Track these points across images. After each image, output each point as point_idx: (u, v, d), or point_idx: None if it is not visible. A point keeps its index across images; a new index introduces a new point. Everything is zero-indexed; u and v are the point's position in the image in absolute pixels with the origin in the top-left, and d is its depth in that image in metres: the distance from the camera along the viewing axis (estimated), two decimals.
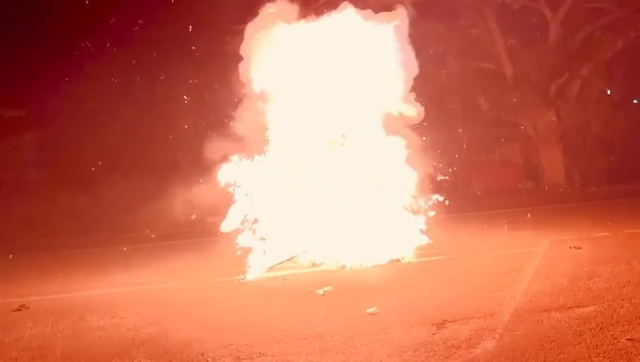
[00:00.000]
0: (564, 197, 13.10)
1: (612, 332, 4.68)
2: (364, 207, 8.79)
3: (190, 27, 14.35)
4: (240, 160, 8.82)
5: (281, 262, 8.28)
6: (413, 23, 9.17)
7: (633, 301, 5.42)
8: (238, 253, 8.56)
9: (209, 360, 4.97)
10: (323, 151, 8.79)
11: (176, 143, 14.70)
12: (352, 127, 8.90)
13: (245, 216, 8.64)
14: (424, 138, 9.57)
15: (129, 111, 14.77)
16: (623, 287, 5.90)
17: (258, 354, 4.93)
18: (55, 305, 7.42)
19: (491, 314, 5.35)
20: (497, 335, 4.83)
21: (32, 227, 13.00)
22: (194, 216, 10.55)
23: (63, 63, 14.66)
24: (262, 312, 6.28)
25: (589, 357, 4.30)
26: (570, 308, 5.36)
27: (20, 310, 7.23)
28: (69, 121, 14.81)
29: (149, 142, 14.61)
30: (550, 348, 4.48)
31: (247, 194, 8.73)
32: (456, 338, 4.87)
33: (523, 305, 5.59)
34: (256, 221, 8.67)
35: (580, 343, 4.55)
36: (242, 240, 8.56)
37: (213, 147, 8.99)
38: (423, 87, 9.60)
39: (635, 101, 18.01)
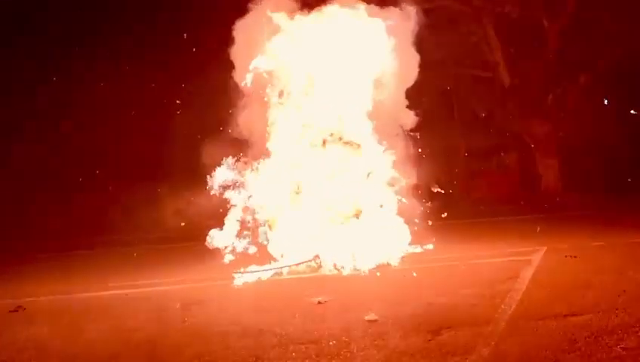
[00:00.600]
0: (561, 206, 13.13)
1: (607, 341, 4.70)
2: (362, 213, 8.85)
3: (185, 35, 14.40)
4: (238, 163, 8.85)
5: (281, 268, 8.28)
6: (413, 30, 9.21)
7: (628, 310, 5.44)
8: (233, 257, 8.59)
9: None
10: (321, 154, 8.81)
11: (173, 145, 14.67)
12: (349, 128, 8.92)
13: (245, 219, 8.68)
14: (419, 149, 9.63)
15: (124, 112, 14.75)
16: (618, 296, 5.92)
17: (255, 358, 4.94)
18: (52, 307, 7.44)
19: (487, 322, 5.37)
20: (493, 343, 4.85)
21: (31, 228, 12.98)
22: (183, 224, 10.66)
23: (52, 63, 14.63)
24: (258, 316, 6.29)
25: None
26: (565, 316, 5.37)
27: (17, 311, 7.24)
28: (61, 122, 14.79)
29: (148, 143, 14.60)
30: (545, 356, 4.51)
31: (248, 198, 8.77)
32: (452, 345, 4.89)
33: (519, 313, 5.61)
34: (255, 224, 8.70)
35: (575, 351, 4.57)
36: (240, 244, 8.58)
37: (209, 151, 9.04)
38: (421, 94, 9.66)
39: (632, 112, 18.09)
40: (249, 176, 8.86)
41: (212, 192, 8.86)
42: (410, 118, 9.17)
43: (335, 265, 8.29)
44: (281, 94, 8.88)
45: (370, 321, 5.68)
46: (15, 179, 14.22)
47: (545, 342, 4.81)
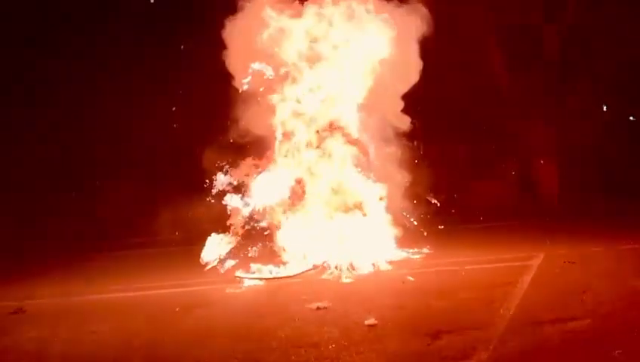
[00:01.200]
0: (560, 212, 13.15)
1: (605, 346, 4.73)
2: (359, 218, 8.89)
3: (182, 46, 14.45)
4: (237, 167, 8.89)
5: (281, 277, 8.30)
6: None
7: (626, 315, 5.46)
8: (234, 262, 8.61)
9: None
10: (320, 158, 8.84)
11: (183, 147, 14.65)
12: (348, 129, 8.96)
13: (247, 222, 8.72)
14: (420, 151, 9.66)
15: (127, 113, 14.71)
16: (617, 302, 5.94)
17: None
18: (53, 309, 7.47)
19: (485, 326, 5.40)
20: (491, 347, 4.87)
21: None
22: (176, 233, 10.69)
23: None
24: (258, 320, 6.32)
25: None
26: (563, 321, 5.39)
27: (17, 313, 7.26)
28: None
29: (149, 144, 14.58)
30: (543, 360, 4.54)
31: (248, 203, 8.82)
32: (450, 349, 4.92)
33: (517, 317, 5.63)
34: (256, 229, 8.74)
35: (573, 356, 4.60)
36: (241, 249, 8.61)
37: (209, 156, 9.08)
38: (419, 100, 9.70)
39: (631, 118, 18.12)
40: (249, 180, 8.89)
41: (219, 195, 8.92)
42: (405, 122, 9.18)
43: (334, 271, 8.31)
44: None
45: (369, 325, 5.70)
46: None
47: (543, 346, 4.84)
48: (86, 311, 7.35)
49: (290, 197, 8.78)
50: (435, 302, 6.51)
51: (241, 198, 8.91)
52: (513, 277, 7.20)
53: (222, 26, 8.99)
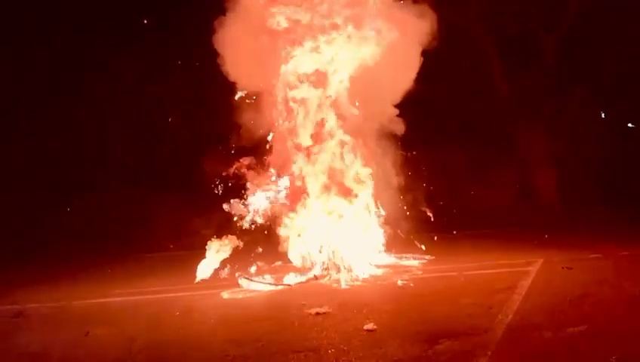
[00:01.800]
0: (558, 218, 13.19)
1: (602, 351, 4.76)
2: (359, 224, 8.93)
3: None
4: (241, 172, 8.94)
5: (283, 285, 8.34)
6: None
7: (623, 321, 5.51)
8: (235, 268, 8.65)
9: None
10: (319, 160, 8.88)
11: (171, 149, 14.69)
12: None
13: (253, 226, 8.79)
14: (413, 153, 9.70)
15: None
16: (614, 308, 5.99)
17: None
18: (53, 313, 7.49)
19: (484, 331, 5.43)
20: (490, 352, 4.91)
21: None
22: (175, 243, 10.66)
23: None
24: (258, 325, 6.35)
25: None
26: (561, 326, 5.43)
27: (18, 317, 7.28)
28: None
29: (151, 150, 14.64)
30: None
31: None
32: (449, 354, 4.96)
33: (515, 323, 5.67)
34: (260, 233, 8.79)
35: (571, 361, 4.64)
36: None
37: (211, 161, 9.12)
38: (419, 108, 9.75)
39: (630, 125, 18.17)
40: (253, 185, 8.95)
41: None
42: (400, 126, 9.22)
43: (334, 277, 8.34)
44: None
45: (368, 330, 5.74)
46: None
47: (541, 351, 4.88)
48: (87, 313, 7.40)
49: (290, 202, 8.82)
50: (434, 307, 6.55)
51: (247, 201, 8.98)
52: (512, 282, 7.24)
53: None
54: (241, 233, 8.91)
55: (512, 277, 7.54)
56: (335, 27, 8.76)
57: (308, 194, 8.71)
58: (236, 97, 9.22)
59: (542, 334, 5.29)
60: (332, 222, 8.77)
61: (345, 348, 5.26)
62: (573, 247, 9.29)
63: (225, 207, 8.99)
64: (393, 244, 9.32)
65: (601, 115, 17.48)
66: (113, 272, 10.32)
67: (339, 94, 9.05)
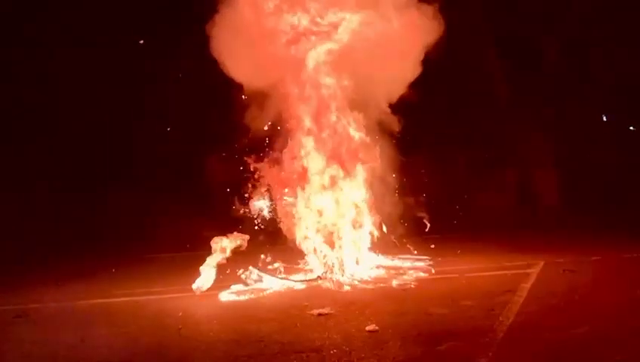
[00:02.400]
0: (559, 221, 13.20)
1: (603, 353, 4.79)
2: (360, 225, 8.96)
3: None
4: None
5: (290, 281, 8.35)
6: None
7: (624, 323, 5.52)
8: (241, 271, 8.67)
9: None
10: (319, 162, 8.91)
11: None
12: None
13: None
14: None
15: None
16: (615, 310, 6.01)
17: None
18: (55, 314, 7.52)
19: (485, 333, 5.45)
20: (491, 354, 4.93)
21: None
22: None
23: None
24: (260, 326, 6.37)
25: None
26: (562, 328, 5.45)
27: (20, 317, 7.31)
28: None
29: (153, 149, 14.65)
30: None
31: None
32: (450, 355, 4.99)
33: (517, 325, 5.69)
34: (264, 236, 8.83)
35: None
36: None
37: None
38: (418, 111, 9.77)
39: (631, 128, 18.18)
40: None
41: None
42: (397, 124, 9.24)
43: (336, 278, 8.36)
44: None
45: (370, 331, 5.76)
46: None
47: (542, 353, 4.90)
48: (90, 314, 7.43)
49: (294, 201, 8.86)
50: (435, 308, 6.56)
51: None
52: (513, 285, 7.25)
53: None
54: (251, 233, 8.91)
55: (513, 280, 7.56)
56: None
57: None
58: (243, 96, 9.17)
59: (543, 336, 5.31)
60: (333, 223, 8.82)
61: (347, 349, 5.28)
62: (574, 250, 9.31)
63: (239, 207, 9.02)
64: (394, 247, 9.33)
65: (602, 118, 17.51)
66: (118, 272, 10.33)
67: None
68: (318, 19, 8.83)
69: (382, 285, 8.06)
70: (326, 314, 6.56)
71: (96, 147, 14.32)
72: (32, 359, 5.82)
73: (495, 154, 15.83)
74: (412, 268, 8.82)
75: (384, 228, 9.15)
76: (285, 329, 6.11)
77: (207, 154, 11.09)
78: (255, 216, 9.05)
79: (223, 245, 8.46)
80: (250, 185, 8.99)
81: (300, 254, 8.85)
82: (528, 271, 8.06)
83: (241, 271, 8.45)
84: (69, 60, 14.01)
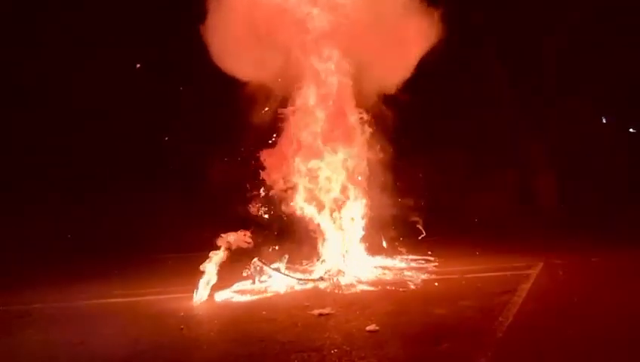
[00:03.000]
0: (558, 222, 13.23)
1: (603, 353, 4.82)
2: (360, 226, 9.00)
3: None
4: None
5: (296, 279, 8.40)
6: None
7: (624, 323, 5.55)
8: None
9: None
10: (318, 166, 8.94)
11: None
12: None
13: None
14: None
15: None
16: (615, 310, 6.03)
17: None
18: (58, 314, 7.56)
19: (485, 333, 5.49)
20: (490, 354, 4.97)
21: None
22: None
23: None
24: (260, 326, 6.42)
25: None
26: (562, 329, 5.49)
27: (23, 317, 7.35)
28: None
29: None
30: None
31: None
32: (450, 355, 5.02)
33: (516, 325, 5.71)
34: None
35: None
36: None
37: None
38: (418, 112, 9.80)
39: (631, 130, 18.21)
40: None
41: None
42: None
43: (336, 279, 8.40)
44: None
45: (371, 331, 5.80)
46: None
47: (542, 353, 4.93)
48: (92, 314, 7.46)
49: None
50: (435, 309, 6.59)
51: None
52: (512, 285, 7.28)
53: None
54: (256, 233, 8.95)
55: (513, 280, 7.59)
56: None
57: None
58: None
59: (542, 337, 5.35)
60: (334, 223, 8.86)
61: (347, 349, 5.32)
62: (573, 250, 9.34)
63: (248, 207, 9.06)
64: (394, 248, 9.38)
65: (601, 120, 17.54)
66: (120, 273, 10.36)
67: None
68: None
69: (382, 286, 8.09)
70: (327, 314, 6.60)
71: (96, 147, 14.35)
72: (34, 358, 5.87)
73: (494, 155, 15.84)
74: (412, 268, 8.87)
75: (383, 230, 9.21)
76: (286, 329, 6.15)
77: (208, 154, 11.05)
78: (259, 215, 9.07)
79: (228, 242, 8.48)
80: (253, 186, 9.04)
81: (302, 254, 8.89)
82: (528, 271, 8.09)
83: (245, 270, 8.48)
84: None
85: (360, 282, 8.24)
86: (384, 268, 8.87)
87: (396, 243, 9.42)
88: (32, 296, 8.69)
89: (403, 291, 7.70)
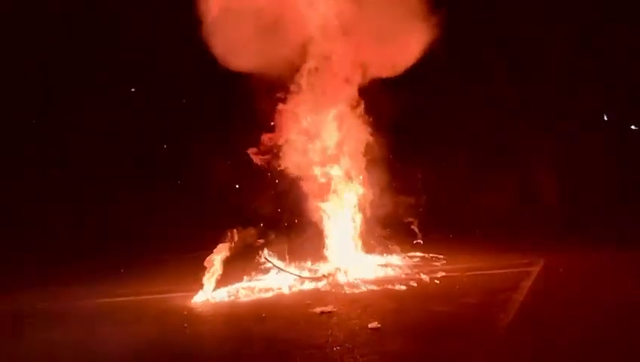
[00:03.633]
0: (560, 221, 13.26)
1: (603, 352, 4.86)
2: (361, 225, 9.05)
3: None
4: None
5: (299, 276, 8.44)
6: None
7: (624, 323, 5.59)
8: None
9: None
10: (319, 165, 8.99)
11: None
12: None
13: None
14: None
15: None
16: (614, 308, 6.07)
17: None
18: (62, 313, 7.59)
19: (486, 330, 5.54)
20: (491, 351, 5.01)
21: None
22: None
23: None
24: (264, 324, 6.47)
25: None
26: (562, 327, 5.53)
27: (27, 316, 7.40)
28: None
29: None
30: None
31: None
32: (451, 353, 5.07)
33: (517, 323, 5.76)
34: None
35: (572, 361, 4.73)
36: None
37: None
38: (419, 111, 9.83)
39: (632, 127, 18.22)
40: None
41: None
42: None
43: (338, 278, 8.44)
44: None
45: (373, 329, 5.85)
46: None
47: (542, 351, 4.98)
48: (96, 313, 7.51)
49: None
50: (436, 306, 6.64)
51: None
52: (513, 283, 7.32)
53: None
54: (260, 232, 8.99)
55: (514, 278, 7.63)
56: None
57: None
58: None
59: (543, 335, 5.39)
60: (335, 224, 8.91)
61: (349, 346, 5.37)
62: (574, 249, 9.37)
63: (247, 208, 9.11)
64: (395, 246, 9.42)
65: (603, 117, 17.56)
66: (125, 272, 10.40)
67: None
68: None
69: (384, 284, 8.13)
70: (329, 312, 6.65)
71: (97, 147, 14.39)
72: (39, 357, 5.91)
73: (495, 154, 15.86)
74: (413, 266, 8.91)
75: (385, 228, 9.25)
76: (289, 327, 6.20)
77: (211, 154, 11.08)
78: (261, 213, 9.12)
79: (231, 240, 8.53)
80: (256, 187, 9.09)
81: (304, 255, 8.94)
82: (528, 270, 8.13)
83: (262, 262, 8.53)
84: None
85: (361, 280, 8.29)
86: (385, 266, 8.91)
87: (394, 243, 9.46)
88: (36, 295, 8.72)
89: (405, 288, 7.74)
